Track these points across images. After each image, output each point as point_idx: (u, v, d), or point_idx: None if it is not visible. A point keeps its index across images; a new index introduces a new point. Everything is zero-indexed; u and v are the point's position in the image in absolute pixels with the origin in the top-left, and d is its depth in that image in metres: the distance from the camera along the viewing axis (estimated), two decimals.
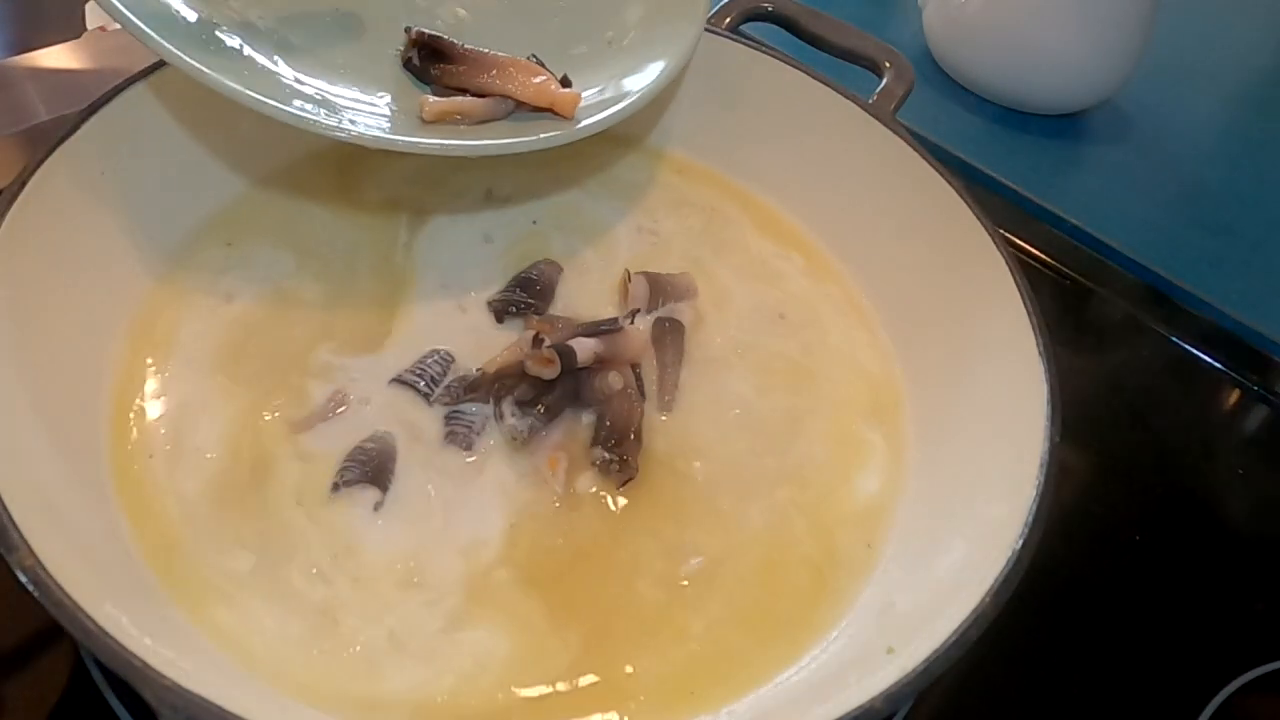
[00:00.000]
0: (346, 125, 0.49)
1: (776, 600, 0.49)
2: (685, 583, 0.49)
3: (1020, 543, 0.44)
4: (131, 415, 0.50)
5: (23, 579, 0.36)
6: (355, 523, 0.48)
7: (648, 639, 0.47)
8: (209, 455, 0.50)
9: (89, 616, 0.36)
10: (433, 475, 0.50)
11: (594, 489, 0.51)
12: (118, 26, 0.45)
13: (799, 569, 0.51)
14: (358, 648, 0.45)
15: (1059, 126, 0.96)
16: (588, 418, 0.53)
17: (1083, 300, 0.78)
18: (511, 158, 0.54)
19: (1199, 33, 1.14)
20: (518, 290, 0.58)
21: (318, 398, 0.52)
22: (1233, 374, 0.75)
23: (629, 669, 0.46)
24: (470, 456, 0.51)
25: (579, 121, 0.54)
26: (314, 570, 0.46)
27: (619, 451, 0.52)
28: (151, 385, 0.52)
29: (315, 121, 0.48)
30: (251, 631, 0.44)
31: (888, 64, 0.68)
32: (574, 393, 0.53)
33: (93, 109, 0.53)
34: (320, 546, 0.47)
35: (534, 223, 0.64)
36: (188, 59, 0.47)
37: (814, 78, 0.66)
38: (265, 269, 0.58)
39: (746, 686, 0.46)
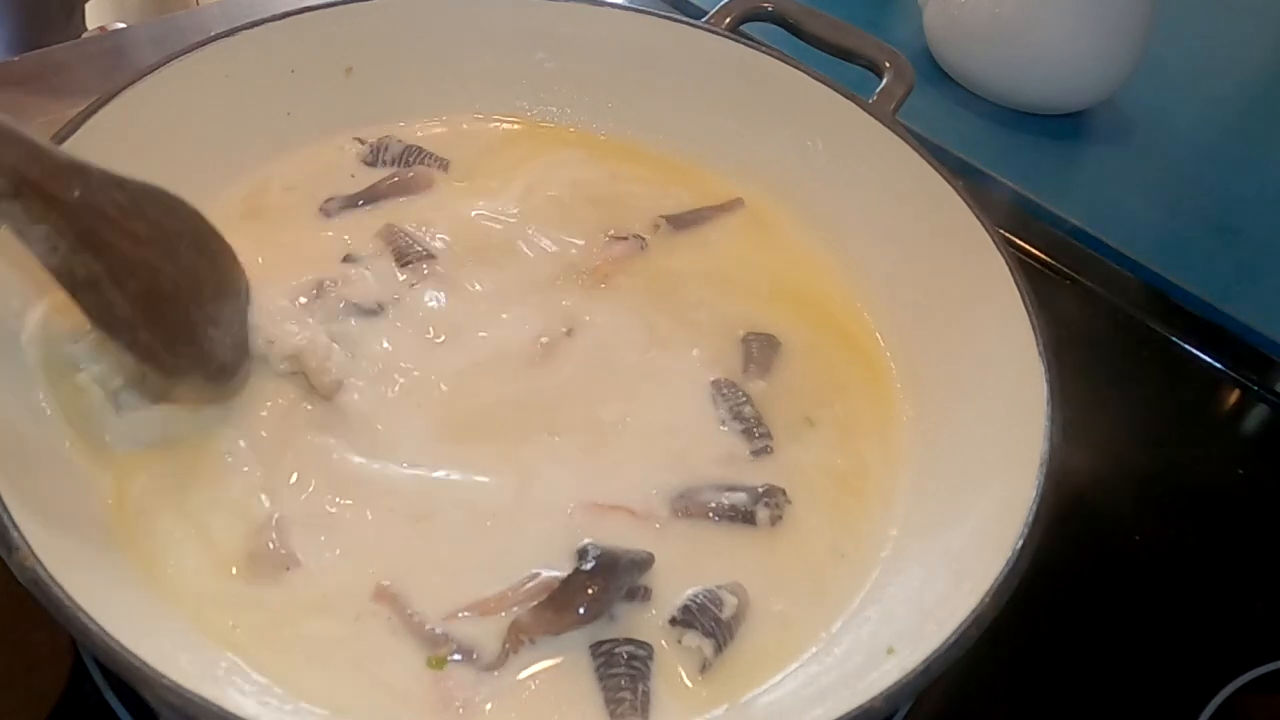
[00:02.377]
0: None
1: None
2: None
3: (1020, 543, 0.44)
4: None
5: (23, 579, 0.36)
6: None
7: None
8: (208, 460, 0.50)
9: (89, 616, 0.36)
10: None
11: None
12: (118, 26, 0.45)
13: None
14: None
15: (1059, 126, 0.96)
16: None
17: (1083, 300, 0.78)
18: None
19: (1199, 33, 1.14)
20: None
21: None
22: (1233, 374, 0.75)
23: None
24: None
25: None
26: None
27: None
28: None
29: None
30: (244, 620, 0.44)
31: (888, 64, 0.68)
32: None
33: (93, 109, 0.53)
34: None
35: None
36: None
37: (814, 78, 0.66)
38: None
39: (747, 685, 0.46)
